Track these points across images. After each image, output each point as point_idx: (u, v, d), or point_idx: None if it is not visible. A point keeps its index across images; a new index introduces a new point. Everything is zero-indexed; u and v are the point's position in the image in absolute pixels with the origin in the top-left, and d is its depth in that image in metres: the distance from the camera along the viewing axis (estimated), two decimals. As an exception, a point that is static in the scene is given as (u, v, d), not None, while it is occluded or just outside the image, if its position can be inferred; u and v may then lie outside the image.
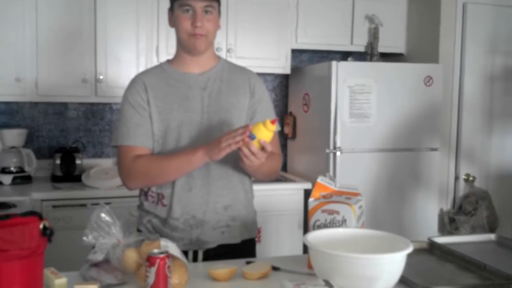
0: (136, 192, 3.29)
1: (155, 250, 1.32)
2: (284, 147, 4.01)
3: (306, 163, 3.69)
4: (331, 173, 3.28)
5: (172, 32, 3.32)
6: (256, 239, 1.93)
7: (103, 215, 1.46)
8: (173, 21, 1.79)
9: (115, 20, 3.29)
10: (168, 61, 1.87)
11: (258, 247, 1.96)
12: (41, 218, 1.07)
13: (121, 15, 3.30)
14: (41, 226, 1.05)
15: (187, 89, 1.78)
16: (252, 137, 1.56)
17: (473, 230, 3.36)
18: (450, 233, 3.51)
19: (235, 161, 1.73)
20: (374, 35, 3.75)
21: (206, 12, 1.73)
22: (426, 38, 3.70)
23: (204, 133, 1.75)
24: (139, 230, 1.84)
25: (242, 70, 1.92)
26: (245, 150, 1.57)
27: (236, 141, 1.56)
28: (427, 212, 3.48)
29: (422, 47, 3.75)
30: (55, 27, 3.19)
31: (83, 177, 3.23)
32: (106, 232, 1.46)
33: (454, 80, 3.59)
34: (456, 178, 3.63)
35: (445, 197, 3.61)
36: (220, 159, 1.62)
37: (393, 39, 3.87)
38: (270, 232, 3.32)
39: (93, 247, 1.48)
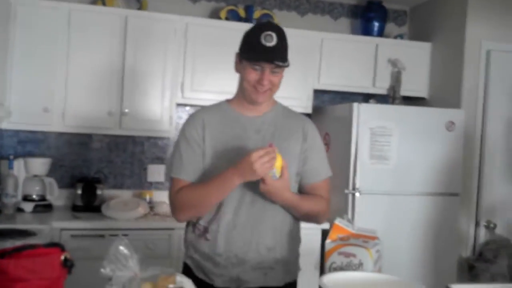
0: (152, 225, 3.30)
1: (171, 286, 1.33)
2: (303, 186, 4.00)
3: (324, 203, 3.67)
4: (349, 214, 3.26)
5: (197, 69, 3.46)
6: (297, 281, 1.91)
7: (121, 247, 1.46)
8: (239, 67, 1.80)
9: (143, 57, 3.38)
10: (228, 100, 1.90)
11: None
12: (63, 249, 1.10)
13: (149, 53, 3.39)
14: (62, 257, 1.07)
15: (242, 130, 1.81)
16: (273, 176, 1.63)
17: (493, 279, 3.27)
18: (469, 280, 3.43)
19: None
20: (396, 78, 3.78)
21: (273, 72, 1.74)
22: (449, 83, 3.71)
23: None
24: (186, 264, 1.86)
25: (297, 115, 1.94)
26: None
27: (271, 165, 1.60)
28: (446, 258, 3.42)
29: (445, 92, 3.76)
30: (86, 63, 3.29)
31: (103, 208, 3.26)
32: (123, 265, 1.46)
33: (477, 126, 3.58)
34: (477, 224, 3.57)
35: (465, 244, 3.55)
36: None
37: (415, 83, 3.89)
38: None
39: (110, 279, 1.49)
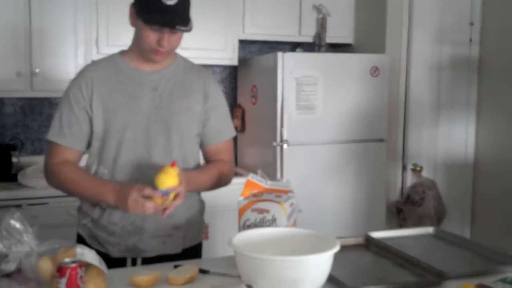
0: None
1: (67, 259, 1.24)
2: (233, 139, 3.93)
3: (255, 156, 3.63)
4: (278, 166, 3.23)
5: (112, 22, 3.24)
6: (203, 239, 1.87)
7: (13, 222, 1.35)
8: (135, 23, 1.61)
9: (51, 12, 3.13)
10: (122, 52, 1.73)
11: (206, 244, 1.90)
12: None
13: (57, 7, 3.14)
14: None
15: (137, 87, 1.66)
16: (164, 192, 1.50)
17: (421, 220, 3.37)
18: (398, 224, 3.52)
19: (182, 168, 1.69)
20: (321, 25, 3.70)
21: (174, 32, 1.58)
22: (374, 28, 3.67)
23: (148, 137, 1.65)
24: (79, 234, 1.75)
25: (199, 71, 1.79)
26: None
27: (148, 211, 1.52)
28: (376, 203, 3.47)
29: (370, 37, 3.72)
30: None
31: (19, 176, 3.07)
32: (17, 240, 1.36)
33: (401, 70, 3.59)
34: (404, 168, 3.64)
35: (393, 188, 3.62)
36: None
37: (341, 29, 3.82)
38: (218, 228, 3.25)
39: (6, 256, 1.38)
